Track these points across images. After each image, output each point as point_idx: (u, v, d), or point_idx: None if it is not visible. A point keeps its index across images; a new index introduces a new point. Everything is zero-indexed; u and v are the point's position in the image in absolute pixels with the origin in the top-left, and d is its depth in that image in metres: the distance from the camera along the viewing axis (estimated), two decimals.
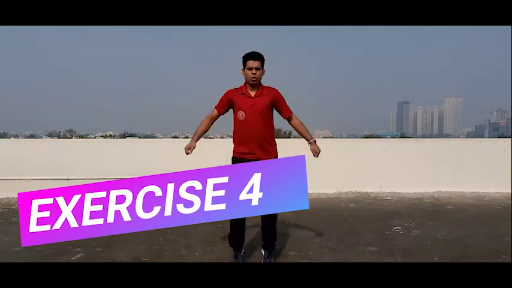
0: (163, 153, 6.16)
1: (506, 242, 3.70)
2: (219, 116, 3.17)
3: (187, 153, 3.04)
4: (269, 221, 3.17)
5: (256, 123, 3.00)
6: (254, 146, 3.02)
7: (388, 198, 5.92)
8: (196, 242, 3.70)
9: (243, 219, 3.10)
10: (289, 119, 3.19)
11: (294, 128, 3.25)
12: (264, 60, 3.04)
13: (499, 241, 3.75)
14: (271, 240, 3.21)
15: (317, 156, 3.11)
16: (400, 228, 4.23)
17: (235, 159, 3.07)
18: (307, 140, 3.20)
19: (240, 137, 3.06)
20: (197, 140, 3.12)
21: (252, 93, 3.05)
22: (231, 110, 3.16)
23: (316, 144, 3.15)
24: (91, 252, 3.47)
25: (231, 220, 3.11)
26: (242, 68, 3.05)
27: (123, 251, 3.49)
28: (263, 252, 3.23)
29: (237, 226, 3.13)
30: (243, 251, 3.23)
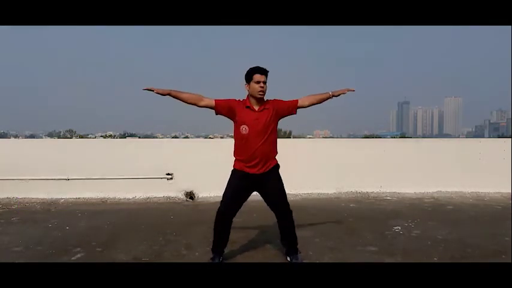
0: (163, 153, 6.16)
1: (506, 242, 3.70)
2: (212, 108, 3.03)
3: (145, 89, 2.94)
4: (286, 225, 3.16)
5: (259, 138, 2.96)
6: (255, 160, 2.98)
7: (388, 198, 5.91)
8: (196, 242, 3.70)
9: (228, 226, 3.11)
10: (301, 105, 3.14)
11: (311, 104, 3.18)
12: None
13: (499, 241, 3.75)
14: (292, 244, 3.18)
15: (351, 90, 3.23)
16: (400, 228, 4.23)
17: (236, 172, 3.06)
18: (328, 97, 3.18)
19: (241, 151, 3.02)
20: (168, 94, 2.95)
21: (256, 108, 3.01)
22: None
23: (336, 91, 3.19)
24: (91, 252, 3.47)
25: (215, 226, 3.11)
26: (246, 82, 3.02)
27: (123, 251, 3.49)
28: (288, 258, 3.18)
29: (221, 233, 3.10)
30: (221, 258, 3.16)
